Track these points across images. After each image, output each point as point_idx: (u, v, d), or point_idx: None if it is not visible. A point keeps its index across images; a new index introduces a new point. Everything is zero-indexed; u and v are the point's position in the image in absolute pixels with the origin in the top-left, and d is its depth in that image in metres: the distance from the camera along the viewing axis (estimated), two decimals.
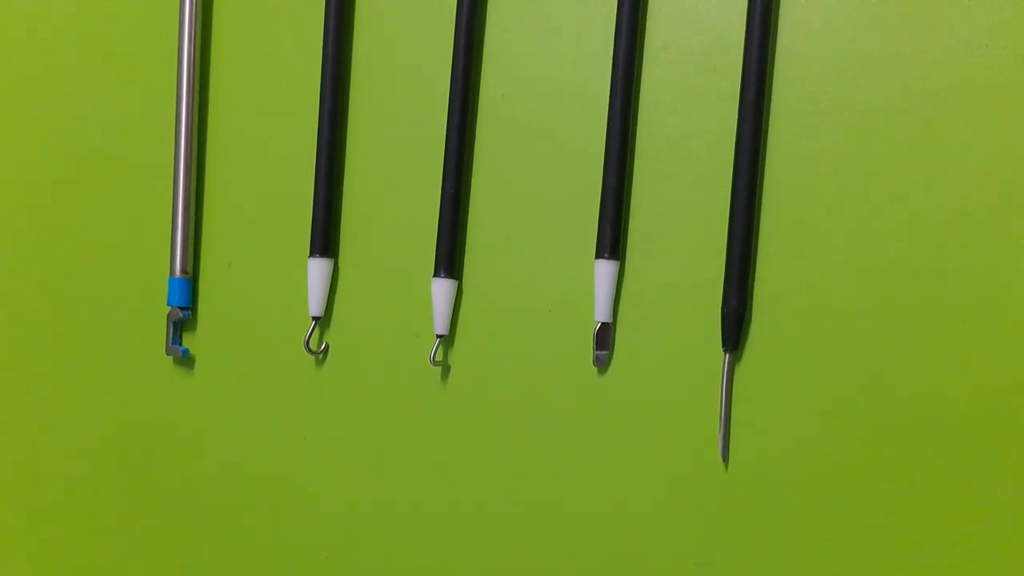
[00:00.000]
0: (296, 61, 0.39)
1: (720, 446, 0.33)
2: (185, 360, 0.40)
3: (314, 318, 0.38)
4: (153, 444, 0.41)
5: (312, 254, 0.38)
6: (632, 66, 0.35)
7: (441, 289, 0.37)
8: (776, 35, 0.34)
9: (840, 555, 0.33)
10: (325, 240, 0.38)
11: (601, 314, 0.35)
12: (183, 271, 0.40)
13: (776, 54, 0.34)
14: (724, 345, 0.33)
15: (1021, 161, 0.32)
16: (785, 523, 0.33)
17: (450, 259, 0.37)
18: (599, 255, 0.35)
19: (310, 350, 0.38)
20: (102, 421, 0.41)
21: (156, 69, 0.41)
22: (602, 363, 0.35)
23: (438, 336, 0.37)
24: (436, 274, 0.37)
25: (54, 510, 0.42)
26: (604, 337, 0.35)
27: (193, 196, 0.41)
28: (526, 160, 0.37)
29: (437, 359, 0.37)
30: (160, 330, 0.40)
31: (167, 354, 0.40)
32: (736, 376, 0.34)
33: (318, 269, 0.38)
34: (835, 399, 0.33)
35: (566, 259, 0.36)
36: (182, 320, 0.40)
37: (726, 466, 0.34)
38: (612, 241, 0.35)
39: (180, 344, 0.40)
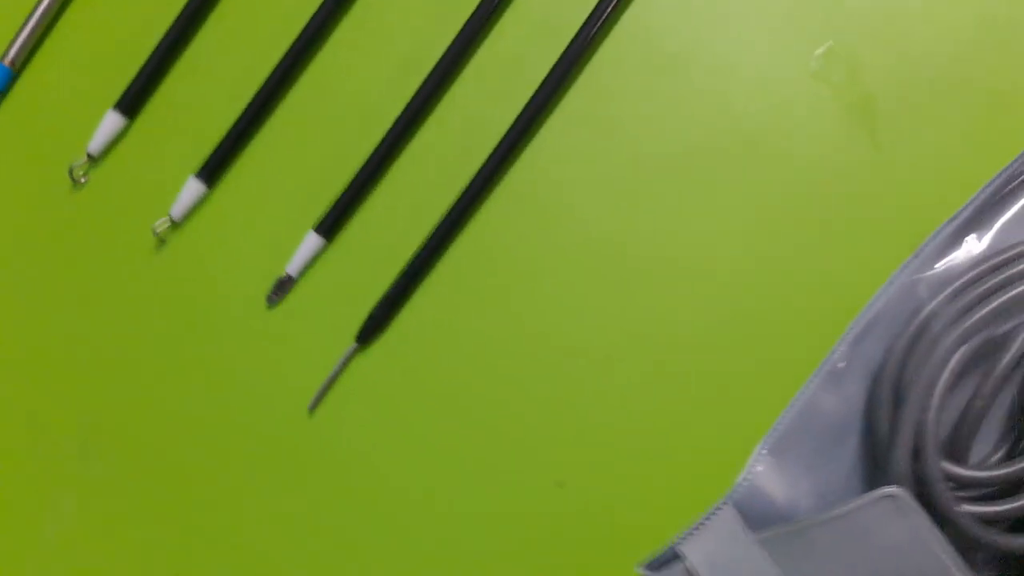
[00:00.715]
0: None
1: (312, 400, 0.43)
2: None
3: (89, 156, 0.45)
4: None
5: (115, 107, 0.45)
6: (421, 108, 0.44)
7: (191, 187, 0.44)
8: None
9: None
10: (134, 102, 0.45)
11: (291, 268, 0.44)
12: (12, 63, 0.46)
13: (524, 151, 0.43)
14: (357, 337, 0.43)
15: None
16: (346, 464, 0.43)
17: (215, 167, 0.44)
18: (315, 228, 0.44)
19: (73, 178, 0.45)
20: None
21: None
22: (272, 303, 0.44)
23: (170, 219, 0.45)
24: (197, 174, 0.44)
25: None
26: (283, 286, 0.44)
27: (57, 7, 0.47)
28: (309, 142, 0.45)
29: (159, 231, 0.44)
30: None
31: None
32: (353, 363, 0.43)
33: (111, 120, 0.45)
34: (410, 409, 0.43)
35: (297, 225, 0.44)
36: None
37: (311, 415, 0.43)
38: (331, 223, 0.43)
39: None
